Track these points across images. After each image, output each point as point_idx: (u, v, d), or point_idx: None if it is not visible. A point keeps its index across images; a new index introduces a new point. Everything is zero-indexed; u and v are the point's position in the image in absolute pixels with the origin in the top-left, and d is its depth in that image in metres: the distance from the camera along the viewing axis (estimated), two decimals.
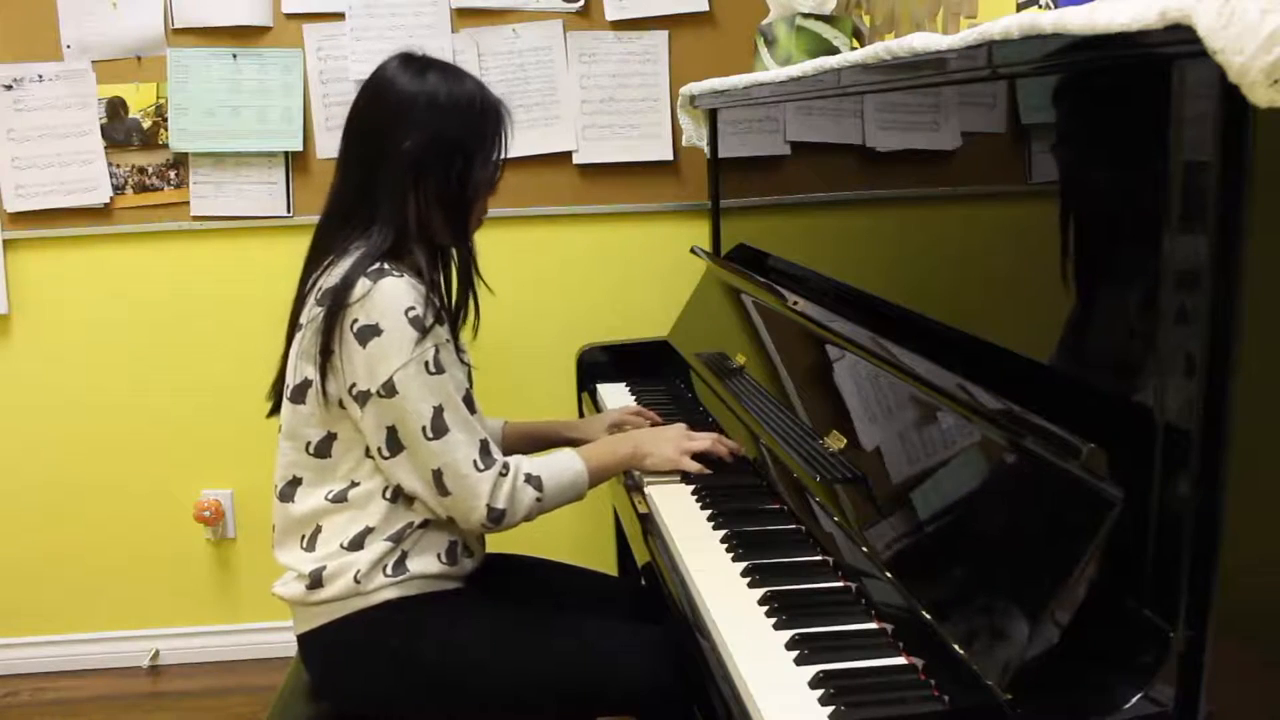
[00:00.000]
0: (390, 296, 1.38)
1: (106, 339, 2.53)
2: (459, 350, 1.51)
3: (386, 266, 1.41)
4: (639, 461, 1.61)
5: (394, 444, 1.42)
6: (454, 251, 1.56)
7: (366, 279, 1.39)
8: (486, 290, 1.60)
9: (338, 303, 1.39)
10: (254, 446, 2.53)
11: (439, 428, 1.40)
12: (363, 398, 1.40)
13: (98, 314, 2.52)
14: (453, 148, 1.46)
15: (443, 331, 1.43)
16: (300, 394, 1.45)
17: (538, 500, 1.46)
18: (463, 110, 1.47)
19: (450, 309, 1.54)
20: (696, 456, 1.62)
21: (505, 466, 1.44)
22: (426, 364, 1.39)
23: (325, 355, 1.40)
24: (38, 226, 2.47)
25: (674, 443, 1.62)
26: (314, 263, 1.49)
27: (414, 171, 1.45)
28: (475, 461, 1.41)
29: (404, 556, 1.45)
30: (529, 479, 1.46)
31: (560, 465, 1.51)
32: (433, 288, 1.47)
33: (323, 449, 1.45)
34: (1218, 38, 0.71)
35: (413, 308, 1.39)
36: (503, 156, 1.53)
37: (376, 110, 1.49)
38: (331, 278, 1.41)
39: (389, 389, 1.38)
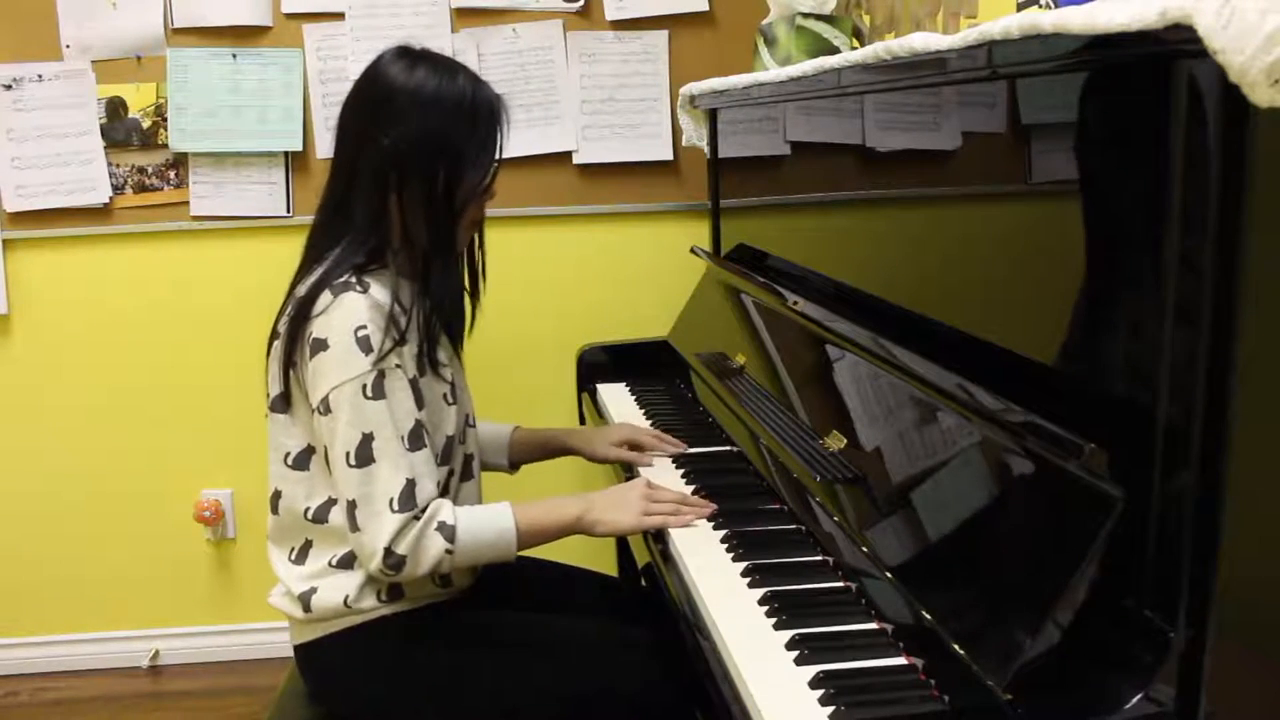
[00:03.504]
0: (345, 313, 1.33)
1: (106, 339, 2.53)
2: (438, 365, 1.44)
3: (354, 280, 1.35)
4: (587, 528, 1.45)
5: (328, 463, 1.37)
6: (433, 260, 1.42)
7: (330, 292, 1.34)
8: (482, 295, 1.56)
9: (300, 314, 1.36)
10: (254, 446, 2.50)
11: (364, 456, 1.32)
12: (315, 413, 1.36)
13: (98, 314, 2.52)
14: (437, 148, 1.38)
15: (398, 356, 1.35)
16: (276, 405, 1.43)
17: (447, 552, 1.34)
18: (450, 108, 1.38)
19: (434, 322, 1.44)
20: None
21: (422, 511, 1.34)
22: (365, 387, 1.32)
23: (290, 366, 1.38)
24: (37, 226, 2.47)
25: (633, 508, 1.46)
26: (300, 268, 1.45)
27: (394, 171, 1.38)
28: (392, 501, 1.32)
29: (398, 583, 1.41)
30: (441, 527, 1.34)
31: (486, 519, 1.39)
32: (421, 297, 1.41)
33: (300, 462, 1.42)
34: (1218, 37, 0.71)
35: (363, 327, 1.33)
36: (496, 160, 1.44)
37: (362, 104, 1.42)
38: (304, 286, 1.38)
39: (325, 406, 1.34)
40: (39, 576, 2.61)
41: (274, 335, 1.43)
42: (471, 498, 1.56)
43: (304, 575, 1.43)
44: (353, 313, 1.33)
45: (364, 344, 1.33)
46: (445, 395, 1.47)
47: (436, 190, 1.39)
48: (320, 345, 1.34)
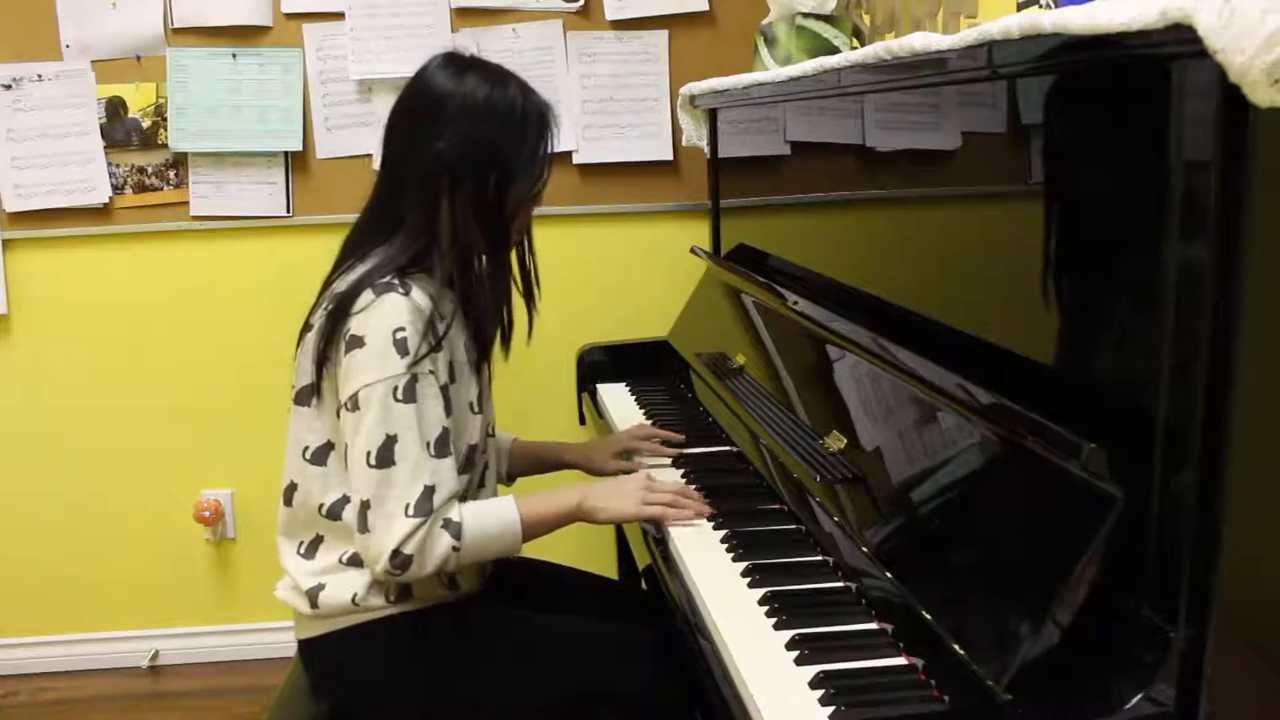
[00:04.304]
0: (385, 313, 1.33)
1: (106, 339, 2.53)
2: (469, 374, 1.45)
3: (397, 281, 1.35)
4: (587, 515, 1.46)
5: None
6: (484, 263, 1.45)
7: (372, 291, 1.34)
8: (539, 300, 1.56)
9: (339, 310, 1.35)
10: (254, 446, 2.53)
11: (384, 458, 1.31)
12: (341, 409, 1.37)
13: (98, 314, 2.52)
14: (490, 155, 1.39)
15: (432, 362, 1.35)
16: (301, 397, 1.43)
17: (454, 549, 1.34)
18: (502, 115, 1.40)
19: (489, 322, 1.47)
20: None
21: (431, 514, 1.33)
22: (396, 389, 1.32)
23: (323, 361, 1.38)
24: (37, 226, 2.47)
25: (632, 497, 1.48)
26: (337, 264, 1.46)
27: (447, 176, 1.39)
28: (408, 506, 1.31)
29: (406, 584, 1.41)
30: (447, 524, 1.34)
31: (491, 513, 1.40)
32: (465, 300, 1.42)
33: (319, 457, 1.42)
34: (1218, 37, 0.71)
35: (402, 329, 1.33)
36: (546, 167, 1.46)
37: (410, 109, 1.43)
38: (344, 283, 1.38)
39: (353, 403, 1.33)
40: (39, 576, 2.61)
41: (306, 328, 1.43)
42: None
43: (313, 571, 1.43)
44: (393, 313, 1.33)
45: (401, 346, 1.33)
46: (472, 404, 1.47)
47: (490, 197, 1.40)
48: (357, 342, 1.34)
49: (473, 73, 1.41)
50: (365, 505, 1.33)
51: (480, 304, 1.46)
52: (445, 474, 1.35)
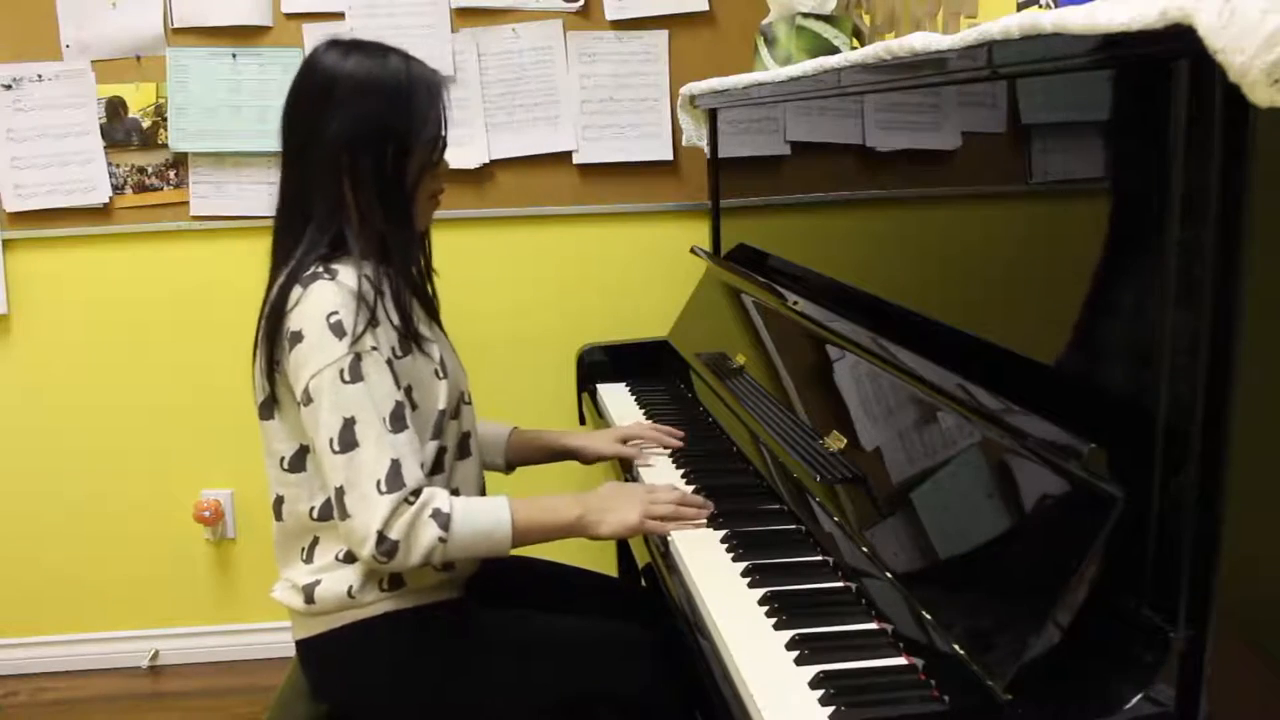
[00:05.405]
0: (315, 301, 1.34)
1: (106, 339, 2.53)
2: (421, 340, 1.44)
3: (322, 268, 1.36)
4: (588, 529, 1.44)
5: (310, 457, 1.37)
6: (391, 237, 1.42)
7: (300, 285, 1.35)
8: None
9: (275, 312, 1.36)
10: (254, 446, 2.49)
11: (347, 441, 1.32)
12: (299, 406, 1.37)
13: (97, 314, 2.52)
14: (382, 131, 1.39)
15: (373, 337, 1.35)
16: (264, 412, 1.43)
17: (441, 540, 1.33)
18: (388, 89, 1.39)
19: (403, 298, 1.44)
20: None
21: (414, 495, 1.33)
22: (342, 371, 1.32)
23: (273, 367, 1.38)
24: (37, 226, 2.47)
25: (634, 510, 1.45)
26: (271, 272, 1.45)
27: (345, 158, 1.38)
28: (379, 482, 1.31)
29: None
30: (436, 514, 1.33)
31: (482, 510, 1.38)
32: (385, 274, 1.41)
33: (296, 464, 1.42)
34: (1218, 37, 0.71)
35: (334, 312, 1.33)
36: (443, 134, 1.46)
37: (303, 98, 1.43)
38: (275, 287, 1.39)
39: (306, 396, 1.34)
40: (39, 576, 2.61)
41: (256, 344, 1.43)
42: (470, 477, 1.55)
43: (310, 570, 1.43)
44: (323, 300, 1.34)
45: (337, 329, 1.33)
46: (436, 371, 1.46)
47: (386, 171, 1.40)
48: (297, 337, 1.34)
49: (356, 53, 1.41)
50: (340, 491, 1.33)
51: (400, 273, 1.44)
52: (405, 447, 1.35)
